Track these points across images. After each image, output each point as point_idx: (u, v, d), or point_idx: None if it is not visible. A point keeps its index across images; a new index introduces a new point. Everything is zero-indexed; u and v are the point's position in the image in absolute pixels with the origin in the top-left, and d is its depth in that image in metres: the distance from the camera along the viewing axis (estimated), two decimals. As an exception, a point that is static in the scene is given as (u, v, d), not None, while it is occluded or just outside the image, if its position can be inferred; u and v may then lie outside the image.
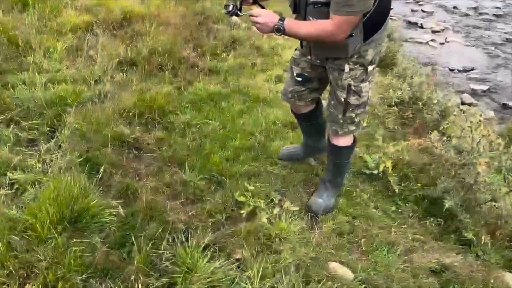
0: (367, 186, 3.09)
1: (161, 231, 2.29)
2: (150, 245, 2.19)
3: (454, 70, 7.67)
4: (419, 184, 3.14)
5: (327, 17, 1.99)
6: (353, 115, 2.40)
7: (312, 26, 2.05)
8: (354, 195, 2.95)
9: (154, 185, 2.66)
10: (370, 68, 2.25)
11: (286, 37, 2.28)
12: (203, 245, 2.22)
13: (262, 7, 2.25)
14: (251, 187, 2.71)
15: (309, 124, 2.90)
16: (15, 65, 3.72)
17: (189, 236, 2.31)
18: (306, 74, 2.55)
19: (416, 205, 2.97)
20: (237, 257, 2.27)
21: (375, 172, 3.14)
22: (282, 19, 2.02)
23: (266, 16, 2.03)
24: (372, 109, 4.09)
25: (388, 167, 3.09)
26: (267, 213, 2.56)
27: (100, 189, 2.54)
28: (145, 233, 2.27)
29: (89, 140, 3.00)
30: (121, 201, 2.48)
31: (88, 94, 3.56)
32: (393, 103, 4.37)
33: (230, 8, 2.10)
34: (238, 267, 2.21)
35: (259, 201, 2.63)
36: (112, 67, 3.92)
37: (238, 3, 2.14)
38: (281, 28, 2.01)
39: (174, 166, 2.89)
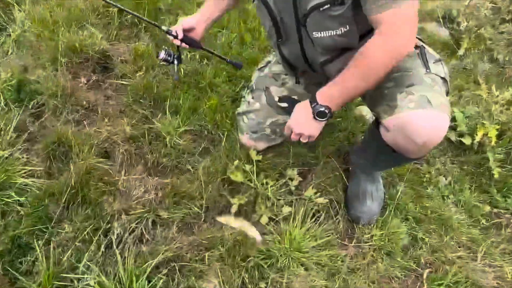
0: (448, 163, 1.95)
1: (91, 228, 1.40)
2: (66, 256, 1.32)
3: None
4: (536, 165, 1.95)
5: (344, 23, 1.23)
6: None
7: (354, 70, 1.23)
8: (424, 178, 1.85)
9: (104, 136, 1.71)
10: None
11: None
12: (152, 265, 1.33)
13: (210, 52, 1.65)
14: (258, 157, 1.68)
15: None
16: None
17: (134, 242, 1.41)
18: (297, 98, 1.59)
19: (525, 203, 1.83)
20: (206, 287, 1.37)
21: (467, 141, 1.96)
22: (313, 98, 1.31)
23: (296, 118, 1.38)
24: (473, 24, 2.67)
25: (490, 137, 1.89)
26: (273, 206, 1.58)
27: (22, 139, 1.65)
28: (61, 231, 1.39)
29: (37, 50, 2.03)
30: (45, 165, 1.58)
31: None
32: (508, 18, 2.88)
33: (162, 55, 1.54)
34: (205, 308, 1.32)
35: (266, 183, 1.63)
36: None
37: (174, 49, 1.56)
38: (322, 111, 1.30)
39: (146, 104, 1.88)
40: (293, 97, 1.63)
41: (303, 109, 1.35)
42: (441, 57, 1.39)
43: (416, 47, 1.35)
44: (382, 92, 1.32)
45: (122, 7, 1.58)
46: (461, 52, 2.53)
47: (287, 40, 1.39)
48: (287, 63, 1.53)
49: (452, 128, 2.04)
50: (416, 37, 1.36)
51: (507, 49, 2.68)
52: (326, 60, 1.38)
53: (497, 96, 2.07)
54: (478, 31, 2.63)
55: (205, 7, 1.57)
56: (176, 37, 1.49)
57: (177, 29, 1.49)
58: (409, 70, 1.30)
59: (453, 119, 2.06)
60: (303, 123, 1.35)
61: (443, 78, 1.32)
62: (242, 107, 1.72)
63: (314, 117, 1.31)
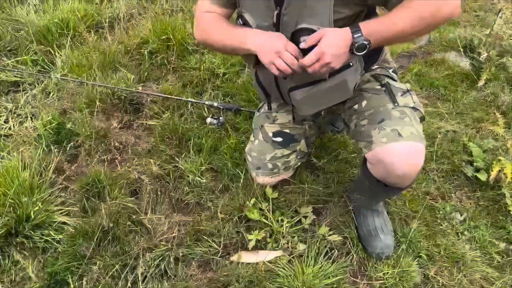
0: (464, 199, 1.98)
1: (119, 265, 1.55)
2: (95, 290, 1.47)
3: None
4: (555, 201, 1.94)
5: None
6: None
7: (407, 11, 1.18)
8: (438, 214, 1.89)
9: (134, 176, 1.86)
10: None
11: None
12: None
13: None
14: (273, 194, 1.79)
15: None
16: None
17: (158, 278, 1.54)
18: (289, 132, 1.71)
19: (542, 239, 1.83)
20: (223, 323, 1.47)
21: (482, 177, 1.98)
22: (355, 27, 1.21)
23: (329, 39, 1.21)
24: (495, 54, 2.67)
25: (506, 174, 1.91)
26: (288, 246, 1.67)
27: (60, 180, 1.83)
28: (92, 267, 1.54)
29: (75, 93, 2.24)
30: (80, 204, 1.74)
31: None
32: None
33: (209, 120, 1.84)
34: None
35: (281, 220, 1.73)
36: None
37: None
38: (364, 43, 1.20)
39: (172, 144, 2.03)
40: (284, 131, 1.73)
41: (340, 36, 1.21)
42: (409, 88, 1.48)
43: (382, 85, 1.46)
44: (360, 130, 1.43)
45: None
46: (481, 83, 2.54)
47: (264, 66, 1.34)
48: (262, 88, 1.60)
49: (469, 162, 2.07)
50: (389, 72, 1.53)
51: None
52: (294, 86, 1.45)
53: (514, 132, 2.08)
54: (500, 61, 2.64)
55: None
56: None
57: None
58: (378, 107, 1.40)
59: (470, 153, 2.09)
60: (336, 53, 1.21)
61: (413, 108, 1.41)
62: (247, 147, 1.84)
63: (352, 49, 1.22)
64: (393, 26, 1.20)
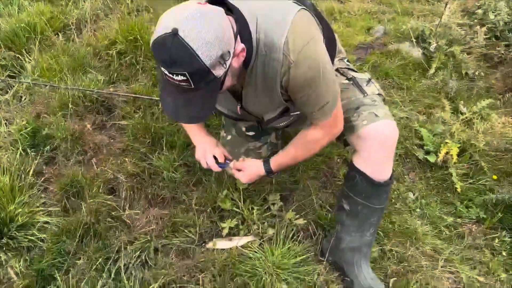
0: (416, 179, 2.19)
1: (102, 258, 1.67)
2: (83, 283, 1.59)
3: None
4: (495, 177, 2.17)
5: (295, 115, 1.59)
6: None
7: (300, 152, 1.65)
8: (393, 194, 2.09)
9: (110, 175, 1.97)
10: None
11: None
12: None
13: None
14: (243, 185, 1.93)
15: None
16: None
17: (139, 268, 1.67)
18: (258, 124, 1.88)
19: (484, 212, 2.05)
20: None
21: (432, 159, 2.19)
22: (266, 162, 1.70)
23: (249, 168, 1.72)
24: (444, 43, 2.88)
25: (452, 155, 2.12)
26: (259, 231, 1.83)
27: (40, 182, 1.92)
28: (77, 261, 1.66)
29: (47, 97, 2.30)
30: (61, 204, 1.84)
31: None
32: (479, 32, 3.08)
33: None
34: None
35: (251, 208, 1.88)
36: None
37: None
38: (273, 173, 1.72)
39: (145, 142, 2.14)
40: (256, 126, 1.88)
41: (257, 167, 1.70)
42: (369, 76, 1.71)
43: (348, 79, 1.66)
44: None
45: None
46: (431, 71, 2.75)
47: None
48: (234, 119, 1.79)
49: (420, 146, 2.28)
50: (346, 63, 1.74)
51: (477, 64, 2.90)
52: (272, 118, 1.62)
53: (460, 115, 2.30)
54: (448, 50, 2.85)
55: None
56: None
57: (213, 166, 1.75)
58: (351, 98, 1.61)
59: (421, 138, 2.30)
60: (253, 171, 1.71)
61: (378, 94, 1.65)
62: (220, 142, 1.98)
63: (266, 174, 1.70)
64: (292, 160, 1.68)
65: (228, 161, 1.74)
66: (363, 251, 1.68)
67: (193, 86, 1.17)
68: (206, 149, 1.73)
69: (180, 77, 1.14)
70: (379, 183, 1.55)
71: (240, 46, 1.24)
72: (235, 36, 1.21)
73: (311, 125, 1.54)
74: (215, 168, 1.72)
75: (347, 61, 1.78)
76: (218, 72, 1.18)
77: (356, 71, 1.73)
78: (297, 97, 1.40)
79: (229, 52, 1.18)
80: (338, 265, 1.75)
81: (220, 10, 1.20)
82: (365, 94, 1.62)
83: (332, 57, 1.62)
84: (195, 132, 1.78)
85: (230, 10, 1.28)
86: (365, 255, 1.70)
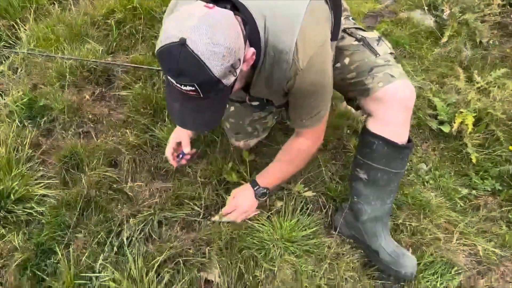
0: (429, 150, 2.10)
1: (104, 232, 1.60)
2: (84, 257, 1.53)
3: None
4: (511, 147, 2.08)
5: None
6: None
7: (289, 164, 1.64)
8: (407, 164, 2.00)
9: (111, 147, 1.89)
10: None
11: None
12: (159, 262, 1.52)
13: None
14: (250, 157, 1.85)
15: None
16: None
17: (143, 242, 1.61)
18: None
19: (500, 184, 1.97)
20: (207, 278, 1.56)
21: (446, 129, 2.10)
22: (253, 182, 1.67)
23: (240, 201, 1.68)
24: (457, 10, 2.75)
25: (467, 125, 2.03)
26: (266, 204, 1.75)
27: (37, 154, 1.84)
28: (78, 235, 1.59)
29: (44, 67, 2.20)
30: (60, 176, 1.77)
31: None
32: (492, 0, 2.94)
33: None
34: (207, 297, 1.52)
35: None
36: None
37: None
38: (265, 192, 1.68)
39: (147, 114, 2.05)
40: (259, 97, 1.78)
41: (245, 192, 1.67)
42: (379, 34, 1.61)
43: (358, 40, 1.56)
44: (348, 83, 1.53)
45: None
46: (444, 39, 2.63)
47: None
48: None
49: (433, 116, 2.18)
50: (353, 22, 1.63)
51: (491, 32, 2.77)
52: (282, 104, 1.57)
53: (475, 84, 2.19)
54: (462, 17, 2.72)
55: None
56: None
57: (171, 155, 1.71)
58: (363, 60, 1.51)
59: (434, 108, 2.20)
60: (247, 205, 1.66)
61: (390, 53, 1.56)
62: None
63: (257, 198, 1.66)
64: (282, 174, 1.65)
65: (182, 155, 1.70)
66: (383, 220, 1.62)
67: (202, 96, 1.09)
68: (175, 134, 1.68)
69: (188, 87, 1.06)
70: (402, 146, 1.48)
71: (251, 51, 1.16)
72: (244, 40, 1.13)
73: (298, 135, 1.54)
74: (170, 157, 1.68)
75: (352, 19, 1.67)
76: (228, 81, 1.10)
77: (364, 30, 1.63)
78: (297, 101, 1.38)
79: (239, 60, 1.09)
80: (358, 239, 1.68)
81: (229, 14, 1.09)
82: (377, 55, 1.52)
83: (339, 19, 1.50)
84: None
85: (236, 7, 1.18)
86: (386, 224, 1.63)
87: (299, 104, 1.39)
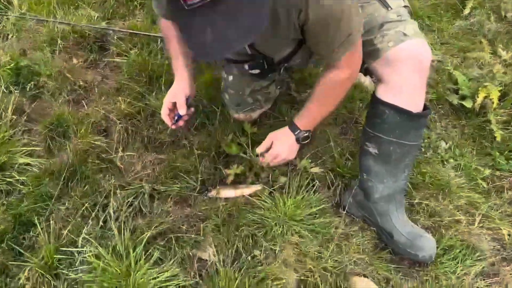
0: (449, 127, 1.92)
1: (89, 204, 1.46)
2: (66, 231, 1.38)
3: None
4: (540, 126, 1.90)
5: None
6: None
7: (328, 100, 1.41)
8: (423, 143, 1.83)
9: (102, 115, 1.74)
10: None
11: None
12: (148, 236, 1.37)
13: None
14: (252, 129, 1.69)
15: None
16: None
17: (132, 216, 1.46)
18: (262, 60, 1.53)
19: (527, 164, 1.80)
20: (201, 256, 1.41)
21: (468, 104, 1.92)
22: (293, 126, 1.47)
23: (279, 149, 1.49)
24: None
25: (492, 99, 1.84)
26: (268, 180, 1.59)
27: (22, 121, 1.70)
28: (61, 207, 1.45)
29: (35, 32, 2.06)
30: (44, 144, 1.63)
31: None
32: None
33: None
34: (200, 276, 1.37)
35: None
36: None
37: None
38: (307, 135, 1.47)
39: (142, 81, 1.90)
40: (260, 61, 1.56)
41: (284, 137, 1.48)
42: None
43: None
44: None
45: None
46: (466, 11, 2.43)
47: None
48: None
49: (454, 91, 2.00)
50: None
51: (517, 7, 2.57)
52: (283, 58, 1.45)
53: (501, 56, 2.00)
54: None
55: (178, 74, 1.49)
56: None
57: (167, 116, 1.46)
58: (373, 14, 1.33)
59: (455, 82, 2.01)
60: (290, 151, 1.49)
61: (404, 6, 1.37)
62: (222, 85, 1.71)
63: (299, 142, 1.48)
64: (321, 113, 1.44)
65: (177, 116, 1.45)
66: (397, 198, 1.45)
67: None
68: (170, 94, 1.47)
69: None
70: (418, 114, 1.30)
71: None
72: None
73: (331, 68, 1.31)
74: (166, 119, 1.45)
75: None
76: None
77: None
78: (319, 34, 1.18)
79: None
80: (370, 219, 1.52)
81: None
82: (389, 8, 1.33)
83: None
84: (176, 67, 1.48)
85: None
86: (400, 203, 1.47)
87: (323, 37, 1.19)
